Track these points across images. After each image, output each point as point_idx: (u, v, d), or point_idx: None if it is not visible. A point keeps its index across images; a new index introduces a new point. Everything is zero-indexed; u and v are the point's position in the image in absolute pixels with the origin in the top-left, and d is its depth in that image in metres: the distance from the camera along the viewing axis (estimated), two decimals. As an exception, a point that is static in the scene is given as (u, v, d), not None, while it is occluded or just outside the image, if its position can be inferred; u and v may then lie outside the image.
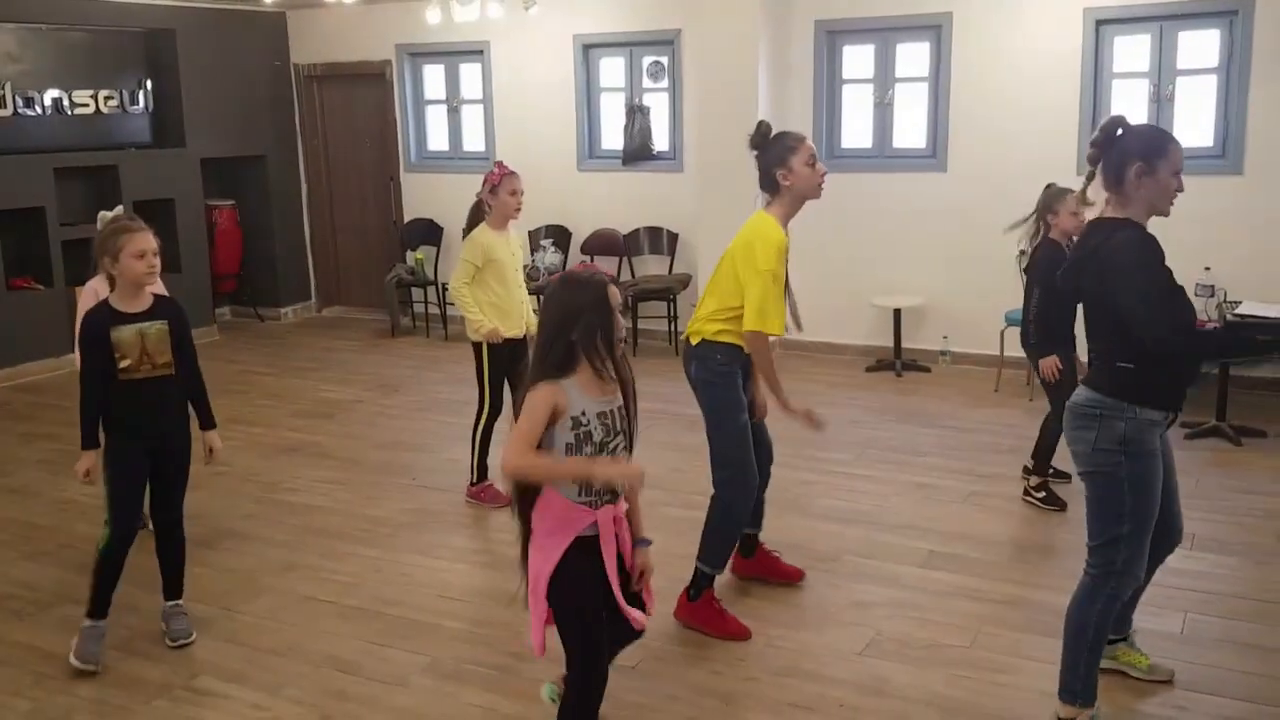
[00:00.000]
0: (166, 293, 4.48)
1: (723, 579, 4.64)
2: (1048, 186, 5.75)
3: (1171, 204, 3.48)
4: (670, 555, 4.41)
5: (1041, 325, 5.54)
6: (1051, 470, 5.84)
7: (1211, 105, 7.81)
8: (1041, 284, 5.48)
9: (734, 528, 4.51)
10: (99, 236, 4.26)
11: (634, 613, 3.22)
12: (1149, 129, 3.49)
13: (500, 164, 5.88)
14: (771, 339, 4.41)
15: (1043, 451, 5.78)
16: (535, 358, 3.10)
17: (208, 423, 4.61)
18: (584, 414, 3.07)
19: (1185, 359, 3.52)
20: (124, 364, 4.17)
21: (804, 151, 4.37)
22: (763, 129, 4.48)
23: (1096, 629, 3.59)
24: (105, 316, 4.18)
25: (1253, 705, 3.84)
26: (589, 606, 3.14)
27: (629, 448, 3.20)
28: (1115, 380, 3.46)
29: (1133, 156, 3.41)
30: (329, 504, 6.04)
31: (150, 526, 4.66)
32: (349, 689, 4.09)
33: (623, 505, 3.23)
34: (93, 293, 4.76)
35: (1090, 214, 3.58)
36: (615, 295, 3.09)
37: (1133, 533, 3.50)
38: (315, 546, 5.46)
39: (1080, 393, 3.57)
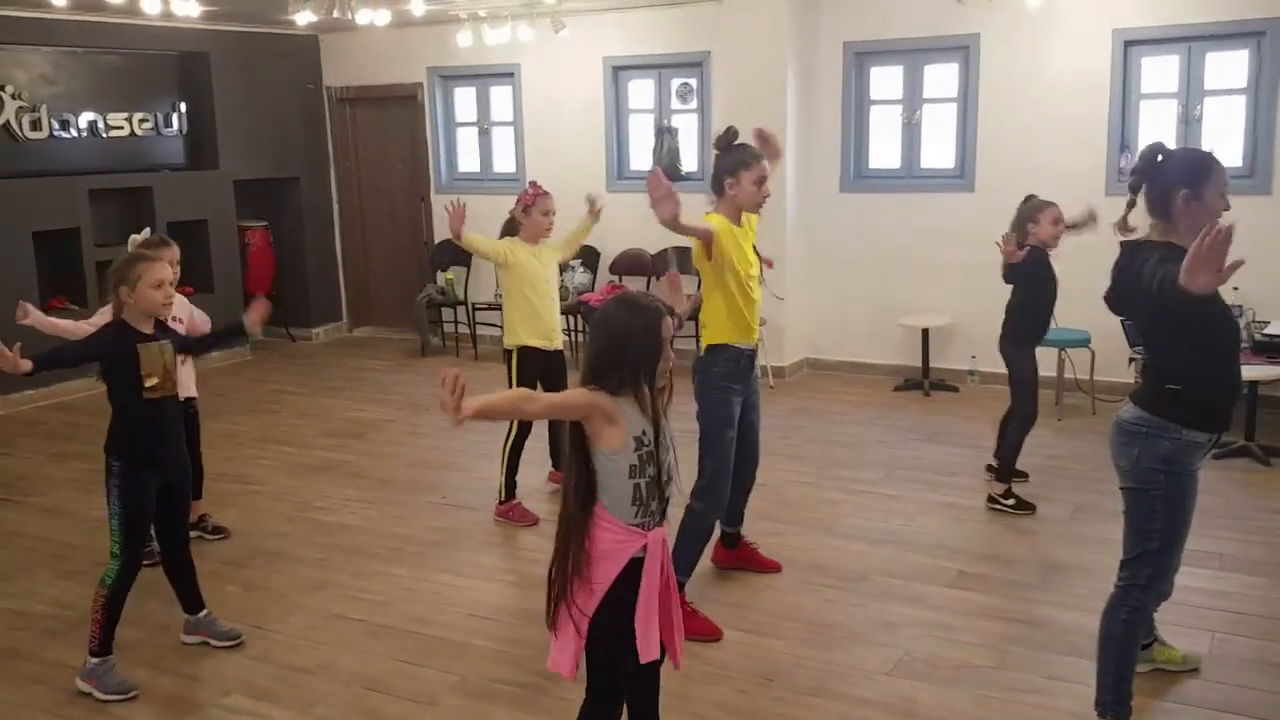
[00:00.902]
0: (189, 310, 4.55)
1: (755, 591, 4.65)
2: (1027, 198, 6.04)
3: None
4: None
5: (1019, 325, 5.97)
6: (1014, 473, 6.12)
7: (1240, 126, 7.79)
8: (1025, 286, 5.90)
9: (703, 536, 4.70)
10: (116, 264, 4.26)
11: (651, 641, 3.05)
12: (1190, 153, 3.46)
13: (534, 184, 5.96)
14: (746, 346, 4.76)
15: (1007, 457, 6.00)
16: (589, 370, 2.96)
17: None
18: (645, 433, 2.94)
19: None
20: (151, 383, 4.18)
21: (756, 170, 4.56)
22: (729, 134, 4.64)
23: (1122, 640, 3.61)
24: (130, 334, 4.17)
25: (1284, 728, 3.82)
26: (624, 650, 3.00)
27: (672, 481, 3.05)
28: (1163, 401, 3.46)
29: (1179, 184, 3.38)
30: (359, 523, 6.09)
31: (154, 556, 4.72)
32: (379, 707, 4.12)
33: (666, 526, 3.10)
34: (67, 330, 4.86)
35: (1133, 236, 3.58)
36: (669, 327, 2.98)
37: (1161, 549, 3.52)
38: (346, 565, 5.50)
39: (1128, 409, 3.58)
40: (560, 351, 5.99)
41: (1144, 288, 3.30)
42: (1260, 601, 4.78)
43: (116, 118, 9.68)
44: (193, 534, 4.88)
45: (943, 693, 4.11)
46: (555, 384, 5.85)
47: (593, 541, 2.96)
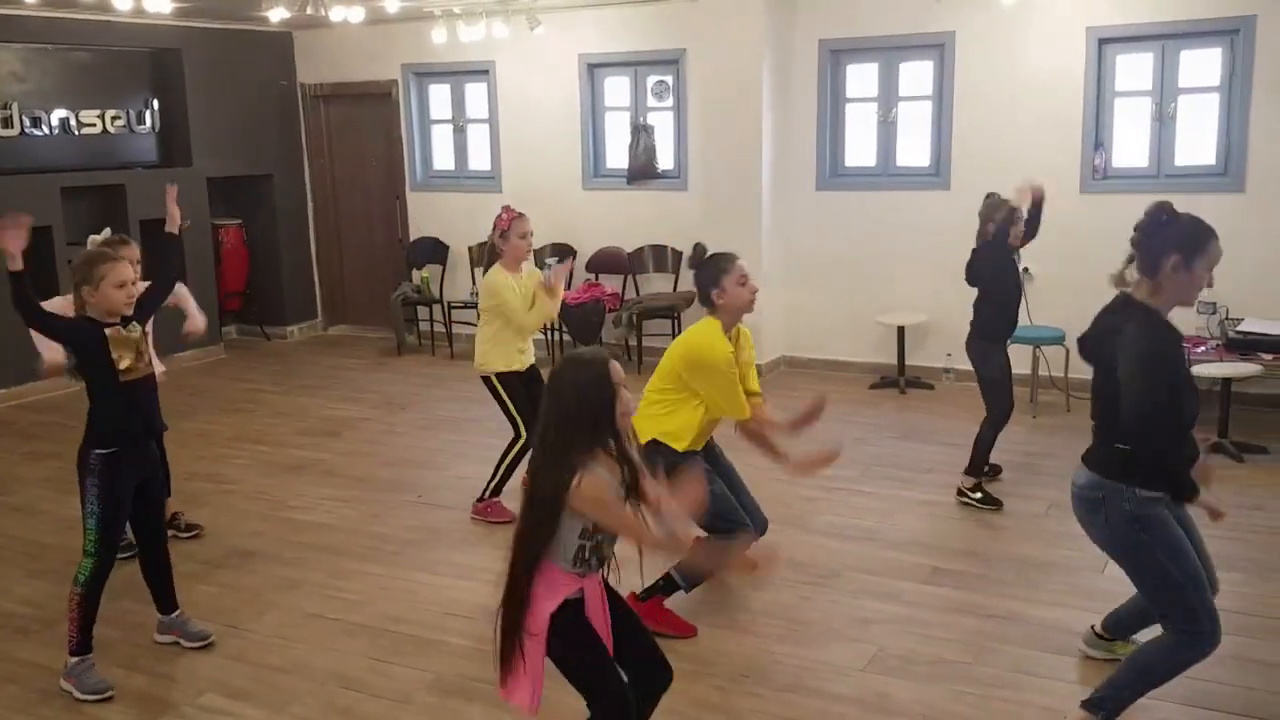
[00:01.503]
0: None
1: (731, 588, 4.65)
2: (988, 196, 6.13)
3: (1198, 296, 3.55)
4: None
5: (987, 323, 6.02)
6: (987, 468, 6.18)
7: (1213, 123, 7.84)
8: (989, 283, 5.98)
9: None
10: (76, 263, 4.24)
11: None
12: (1193, 223, 3.50)
13: (508, 208, 5.93)
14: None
15: (973, 454, 6.06)
16: (555, 442, 3.00)
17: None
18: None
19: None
20: (124, 365, 4.18)
21: (735, 272, 4.55)
22: (698, 251, 4.75)
23: (1165, 675, 3.63)
24: (96, 324, 4.16)
25: (1256, 721, 3.85)
26: (593, 644, 3.12)
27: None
28: (1113, 462, 3.52)
29: (1172, 249, 3.43)
30: (335, 522, 6.06)
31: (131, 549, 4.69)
32: (354, 706, 4.11)
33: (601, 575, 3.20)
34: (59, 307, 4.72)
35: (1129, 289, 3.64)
36: (618, 371, 3.04)
37: (1196, 590, 3.52)
38: (321, 564, 5.48)
39: (1080, 475, 3.63)
40: (533, 365, 6.01)
41: (1122, 347, 3.40)
42: (1235, 597, 4.80)
43: (89, 115, 9.59)
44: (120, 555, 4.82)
45: (918, 688, 4.12)
46: (536, 392, 5.84)
47: (531, 587, 3.07)
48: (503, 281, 5.81)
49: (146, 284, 4.51)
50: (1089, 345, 3.65)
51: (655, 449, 4.38)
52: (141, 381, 4.28)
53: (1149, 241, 3.49)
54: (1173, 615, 3.58)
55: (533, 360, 6.01)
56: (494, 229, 5.88)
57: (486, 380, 5.94)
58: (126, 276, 4.18)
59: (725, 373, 4.47)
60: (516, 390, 5.89)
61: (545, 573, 3.07)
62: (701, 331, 4.56)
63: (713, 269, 4.57)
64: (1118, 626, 4.22)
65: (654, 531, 3.07)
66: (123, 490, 4.24)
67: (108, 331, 4.16)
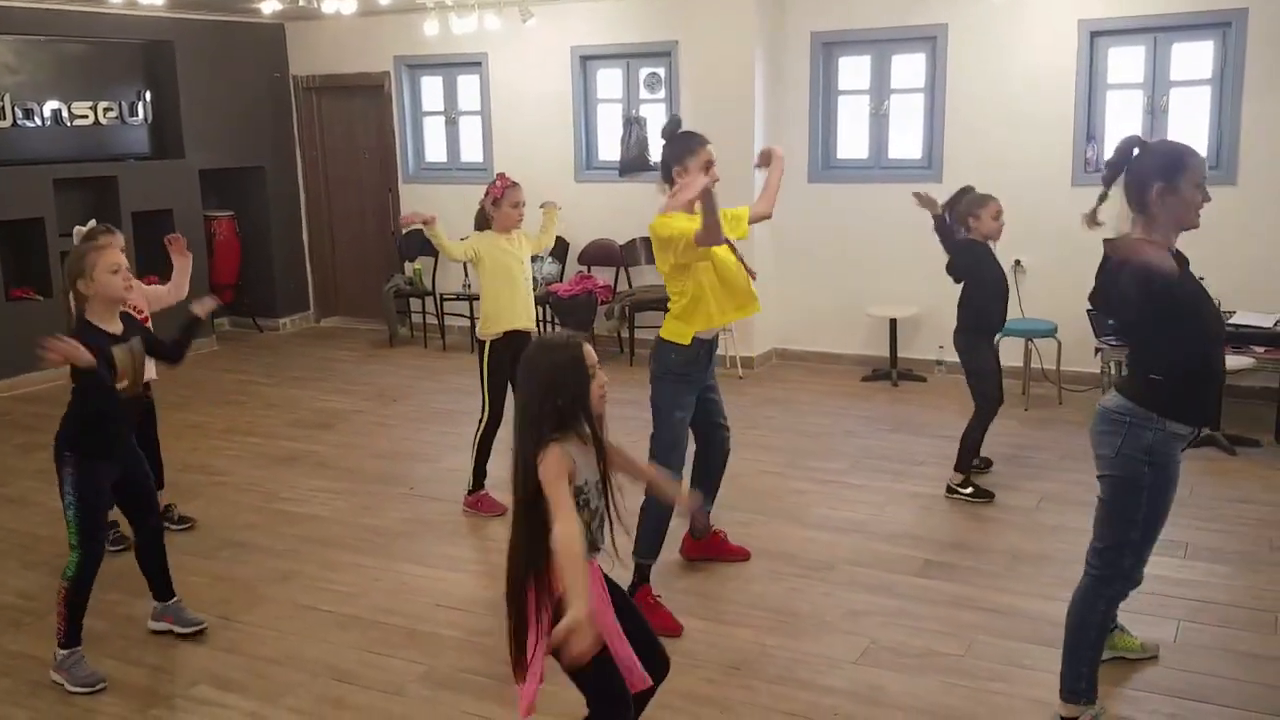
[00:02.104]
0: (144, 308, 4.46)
1: (722, 580, 4.66)
2: (964, 190, 6.08)
3: (1199, 216, 3.47)
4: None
5: (971, 316, 6.03)
6: (977, 461, 6.21)
7: (1206, 116, 7.85)
8: (972, 277, 5.98)
9: (664, 516, 4.68)
10: (68, 262, 4.22)
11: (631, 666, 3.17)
12: (1166, 146, 3.48)
13: (502, 176, 5.93)
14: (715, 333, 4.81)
15: (961, 449, 6.06)
16: (524, 421, 3.03)
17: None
18: (587, 482, 3.04)
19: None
20: (121, 385, 4.17)
21: (702, 155, 4.52)
22: (673, 122, 4.70)
23: (1099, 629, 3.65)
24: (103, 336, 4.13)
25: (1245, 713, 3.86)
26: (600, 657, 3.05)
27: (609, 521, 3.13)
28: (1146, 391, 3.48)
29: (1153, 177, 3.39)
30: (327, 513, 6.06)
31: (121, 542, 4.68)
32: (347, 697, 4.11)
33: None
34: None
35: (1103, 233, 3.58)
36: (591, 354, 3.05)
37: (1143, 539, 3.55)
38: (314, 556, 5.48)
39: (1112, 398, 3.60)
40: (531, 332, 6.00)
41: (1122, 290, 3.35)
42: (1224, 589, 4.84)
43: (81, 106, 9.57)
44: (109, 549, 4.82)
45: (909, 680, 4.13)
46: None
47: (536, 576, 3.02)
48: (472, 241, 5.91)
49: (158, 285, 4.46)
50: (1100, 296, 3.63)
51: (665, 346, 4.67)
52: (130, 402, 4.29)
53: (1127, 179, 3.46)
54: (1103, 553, 3.59)
55: (533, 327, 5.98)
56: (486, 195, 5.90)
57: (479, 347, 5.98)
58: (118, 260, 4.17)
59: (683, 229, 4.46)
60: (497, 368, 5.85)
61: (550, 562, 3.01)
62: (656, 222, 4.59)
63: (681, 145, 4.58)
64: None
65: (573, 535, 2.93)
66: (98, 485, 4.23)
67: (114, 350, 4.14)
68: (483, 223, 5.96)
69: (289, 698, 4.12)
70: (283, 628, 4.70)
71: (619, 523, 3.14)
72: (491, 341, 5.88)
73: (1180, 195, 3.39)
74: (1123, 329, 3.64)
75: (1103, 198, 3.53)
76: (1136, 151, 3.48)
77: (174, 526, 5.71)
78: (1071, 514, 5.67)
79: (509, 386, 5.80)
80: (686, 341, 4.65)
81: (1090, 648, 3.65)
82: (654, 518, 4.67)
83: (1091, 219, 3.57)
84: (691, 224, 4.44)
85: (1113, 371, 7.14)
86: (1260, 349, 6.95)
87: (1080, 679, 3.66)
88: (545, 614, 3.02)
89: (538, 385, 3.01)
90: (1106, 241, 3.55)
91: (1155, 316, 3.39)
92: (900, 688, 4.08)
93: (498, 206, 5.84)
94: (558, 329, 2.78)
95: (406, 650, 4.47)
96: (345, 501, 6.24)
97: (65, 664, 4.22)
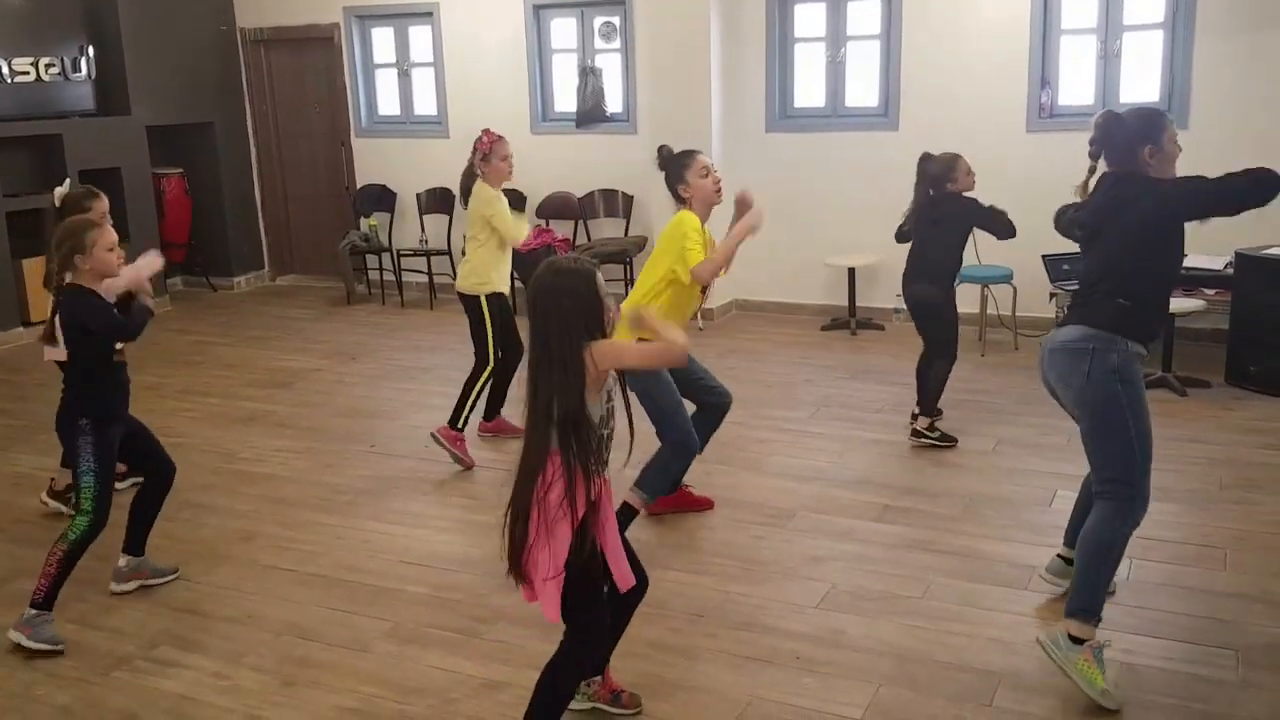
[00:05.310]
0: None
1: (686, 531, 4.69)
2: (929, 157, 6.07)
3: (1174, 167, 3.80)
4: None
5: (956, 265, 6.17)
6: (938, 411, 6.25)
7: (1158, 60, 7.89)
8: (961, 231, 6.08)
9: (679, 470, 4.96)
10: (64, 232, 4.24)
11: (625, 573, 3.28)
12: (1141, 112, 3.89)
13: (488, 131, 5.97)
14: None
15: (930, 396, 6.12)
16: (543, 342, 3.01)
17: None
18: (609, 393, 3.14)
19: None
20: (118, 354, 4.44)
21: (696, 165, 4.84)
22: (663, 152, 4.99)
23: (1121, 550, 3.73)
24: (107, 303, 4.26)
25: (1197, 647, 3.94)
26: (593, 576, 3.17)
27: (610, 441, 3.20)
28: (1116, 316, 3.70)
29: (1140, 142, 3.73)
30: (288, 473, 6.03)
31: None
32: (311, 655, 4.11)
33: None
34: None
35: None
36: (602, 281, 3.10)
37: (1144, 457, 3.70)
38: (274, 515, 5.46)
39: (1068, 330, 3.80)
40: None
41: (1143, 210, 3.67)
42: (1171, 527, 4.92)
43: (21, 62, 9.34)
44: (118, 487, 4.85)
45: (870, 624, 4.18)
46: (509, 320, 6.08)
47: (548, 502, 3.04)
48: (494, 193, 5.90)
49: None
50: (1090, 219, 3.85)
51: None
52: (122, 366, 4.51)
53: (1114, 148, 3.78)
54: (1117, 472, 3.70)
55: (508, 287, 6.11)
56: (474, 152, 5.91)
57: (473, 302, 5.97)
58: (114, 239, 4.28)
59: (692, 231, 4.73)
60: (498, 317, 5.97)
61: (557, 483, 3.04)
62: (681, 214, 4.82)
63: (676, 166, 4.86)
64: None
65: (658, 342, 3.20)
66: (113, 449, 4.36)
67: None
68: (469, 180, 5.93)
69: (251, 656, 4.12)
70: (245, 588, 4.69)
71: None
72: (487, 295, 5.95)
73: (1165, 152, 3.75)
74: (1104, 257, 3.78)
75: (1092, 170, 3.88)
76: (1115, 123, 3.80)
77: (120, 485, 5.61)
78: (1027, 457, 5.74)
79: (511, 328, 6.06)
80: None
81: (1112, 568, 3.75)
82: (673, 464, 4.86)
83: (1083, 191, 3.92)
84: (698, 247, 4.73)
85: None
86: (1210, 291, 7.03)
87: (1096, 600, 3.72)
88: (546, 534, 3.05)
89: (555, 310, 3.01)
90: (1106, 175, 3.83)
91: (1155, 239, 3.70)
92: (860, 631, 4.13)
93: (488, 161, 5.87)
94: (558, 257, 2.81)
95: (371, 607, 4.47)
96: (306, 460, 6.21)
97: (32, 622, 4.19)
